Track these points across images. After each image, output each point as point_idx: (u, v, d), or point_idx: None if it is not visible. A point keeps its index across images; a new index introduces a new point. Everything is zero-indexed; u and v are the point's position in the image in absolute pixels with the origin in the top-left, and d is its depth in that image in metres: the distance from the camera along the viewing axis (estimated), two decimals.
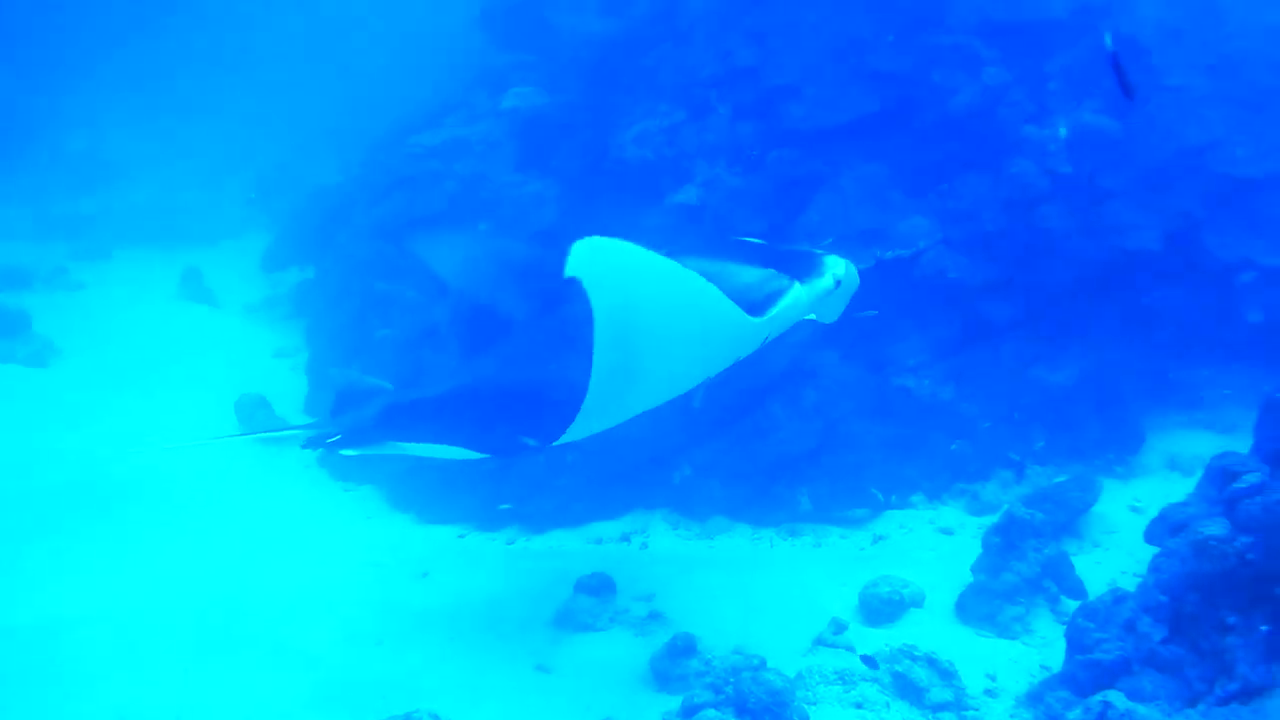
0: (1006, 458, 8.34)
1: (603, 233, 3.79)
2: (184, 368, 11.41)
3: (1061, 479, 8.04)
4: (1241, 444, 5.95)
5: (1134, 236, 8.76)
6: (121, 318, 12.84)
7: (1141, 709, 4.59)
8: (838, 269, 5.56)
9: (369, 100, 17.50)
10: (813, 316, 5.73)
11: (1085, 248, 8.73)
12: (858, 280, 5.80)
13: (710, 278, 4.46)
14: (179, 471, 8.96)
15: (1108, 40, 5.87)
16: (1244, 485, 5.00)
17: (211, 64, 23.00)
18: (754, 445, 8.10)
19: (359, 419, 5.43)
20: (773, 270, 5.33)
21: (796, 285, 5.30)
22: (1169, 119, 9.17)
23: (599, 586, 6.90)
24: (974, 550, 6.90)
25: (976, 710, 5.72)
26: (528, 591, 7.19)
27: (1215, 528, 4.92)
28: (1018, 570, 6.63)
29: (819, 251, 5.71)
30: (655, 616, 6.79)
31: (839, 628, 6.49)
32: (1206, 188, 9.13)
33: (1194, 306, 9.09)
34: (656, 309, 4.36)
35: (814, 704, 5.80)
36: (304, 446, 5.63)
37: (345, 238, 10.91)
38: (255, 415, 9.89)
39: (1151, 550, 5.50)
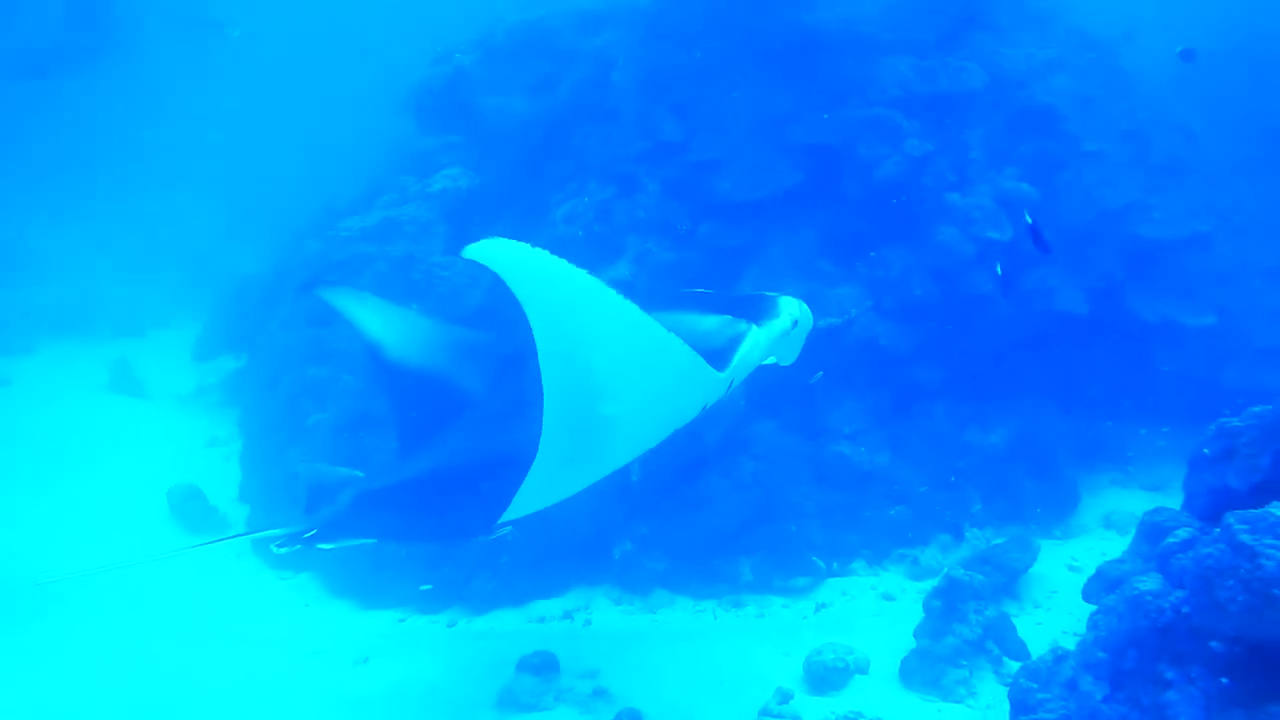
0: (945, 522, 8.39)
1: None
2: (115, 461, 11.22)
3: (1000, 541, 8.09)
4: (1173, 500, 6.03)
5: (1059, 299, 8.94)
6: (49, 412, 12.62)
7: None
8: (793, 309, 5.50)
9: (296, 187, 17.53)
10: (772, 360, 5.69)
11: (1013, 312, 8.88)
12: (812, 319, 5.74)
13: (667, 328, 4.39)
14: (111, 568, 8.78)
15: (1028, 217, 6.12)
16: (1176, 540, 5.05)
17: (131, 156, 22.96)
18: (694, 517, 8.09)
19: (333, 512, 5.31)
20: (728, 316, 5.26)
21: (754, 329, 5.23)
22: (1088, 184, 9.42)
23: (542, 665, 6.82)
24: (916, 615, 6.92)
25: None
26: (470, 673, 7.09)
27: (1150, 583, 4.96)
28: (960, 633, 6.65)
29: (771, 294, 5.64)
30: (600, 694, 6.72)
31: (784, 697, 6.45)
32: (1127, 250, 9.38)
33: (1121, 366, 9.28)
34: (610, 352, 4.30)
35: None
36: (279, 547, 5.36)
37: (276, 324, 10.83)
38: (188, 506, 9.77)
39: (1090, 608, 5.54)
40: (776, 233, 8.97)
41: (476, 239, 9.58)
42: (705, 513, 8.10)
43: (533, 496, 4.75)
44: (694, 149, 9.32)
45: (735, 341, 5.14)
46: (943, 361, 8.86)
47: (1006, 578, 7.54)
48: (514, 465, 4.62)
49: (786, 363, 5.82)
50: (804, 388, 8.52)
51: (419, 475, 5.38)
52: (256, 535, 5.32)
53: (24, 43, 21.33)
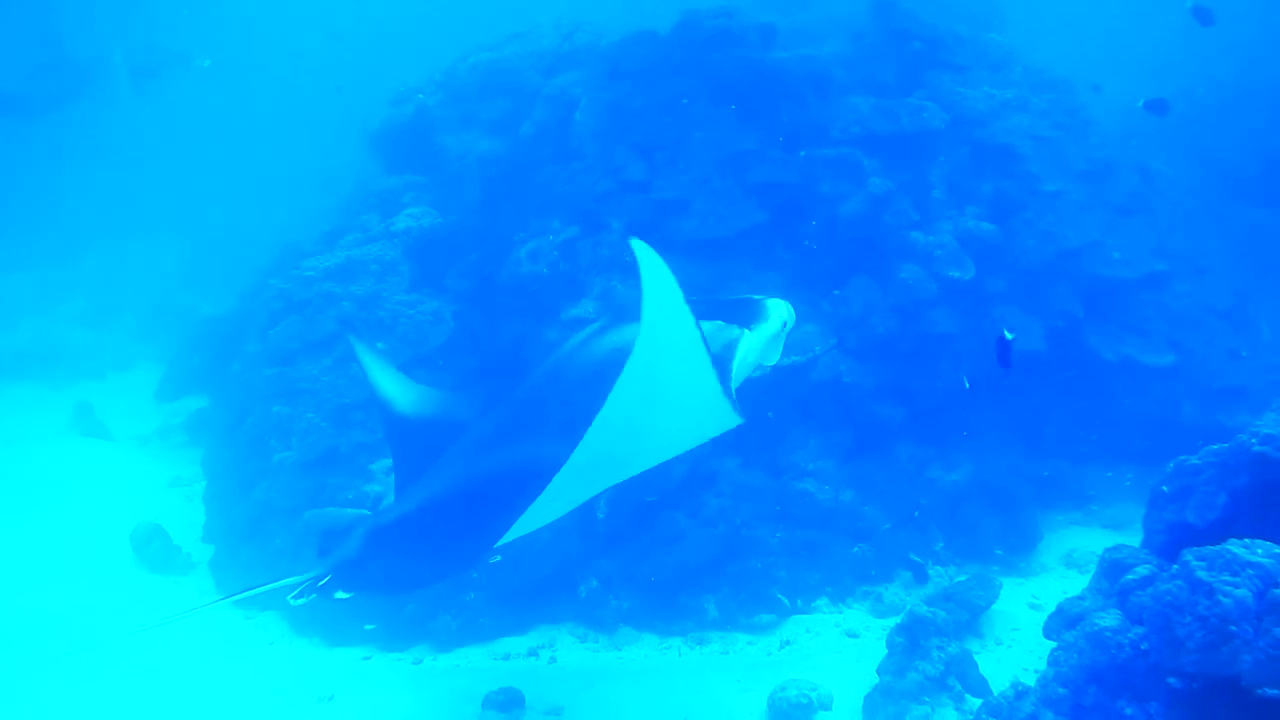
0: (908, 559, 8.41)
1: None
2: (77, 502, 11.11)
3: (962, 578, 8.12)
4: (1134, 538, 6.09)
5: (1020, 338, 9.01)
6: (11, 456, 12.49)
7: None
8: (781, 311, 5.43)
9: (258, 227, 17.49)
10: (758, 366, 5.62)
11: (974, 349, 8.95)
12: (794, 319, 5.65)
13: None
14: (73, 607, 8.70)
15: (1007, 334, 6.17)
16: (1135, 577, 5.11)
17: (91, 198, 22.86)
18: (659, 554, 8.08)
19: (346, 552, 5.22)
20: (719, 321, 5.20)
21: (747, 334, 5.19)
22: (1047, 223, 9.53)
23: (507, 702, 6.80)
24: (880, 651, 6.93)
25: None
26: (436, 711, 7.07)
27: (1109, 619, 5.00)
28: (922, 669, 6.66)
29: (758, 297, 5.58)
30: None
31: None
32: (1086, 288, 9.48)
33: (1081, 404, 9.37)
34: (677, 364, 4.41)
35: None
36: (296, 598, 5.20)
37: (239, 364, 10.79)
38: (151, 545, 9.68)
39: (1051, 644, 5.57)
40: (740, 270, 9.02)
41: (440, 277, 9.65)
42: (670, 550, 8.09)
43: (551, 504, 4.76)
44: (657, 188, 9.38)
45: (730, 348, 5.10)
46: (905, 399, 8.92)
47: (969, 614, 7.56)
48: (528, 477, 4.66)
49: (770, 363, 5.68)
50: (766, 424, 8.56)
51: (427, 501, 5.31)
52: (273, 586, 5.19)
53: None
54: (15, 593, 8.95)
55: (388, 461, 8.90)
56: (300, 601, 5.17)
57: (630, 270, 8.98)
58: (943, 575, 8.33)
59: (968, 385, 8.47)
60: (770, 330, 5.35)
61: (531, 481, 4.61)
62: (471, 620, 8.05)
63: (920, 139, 9.64)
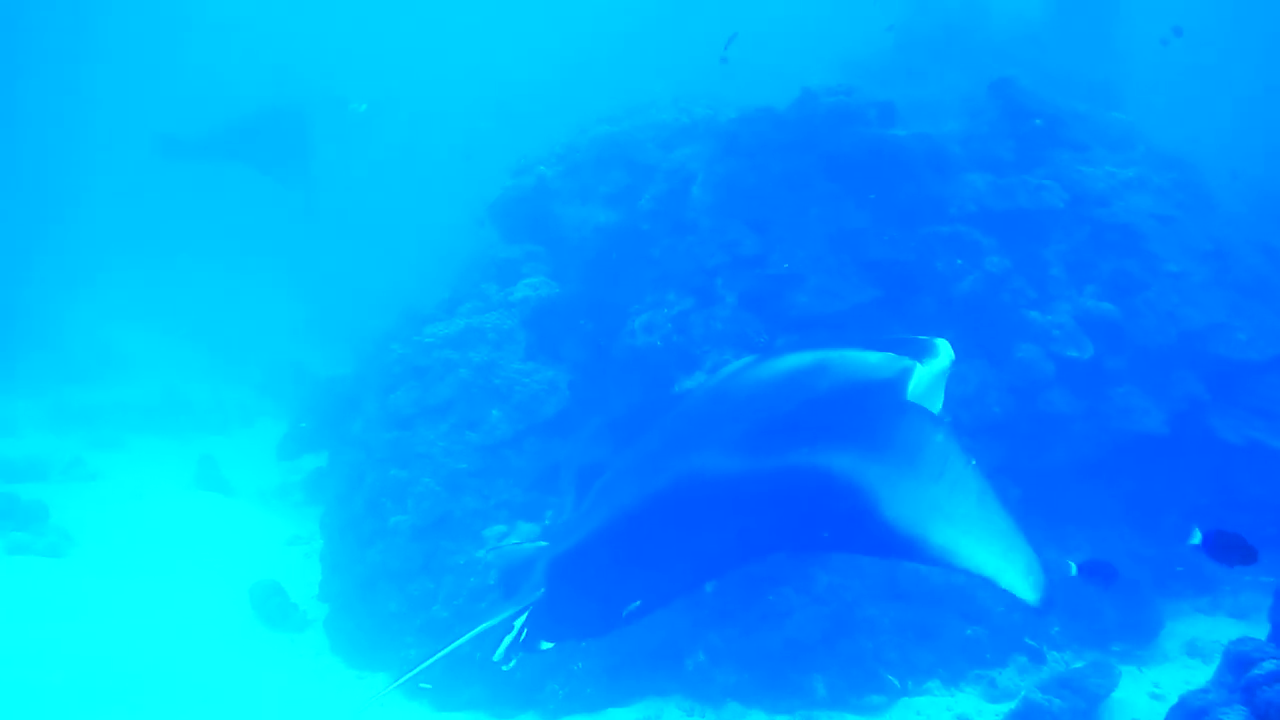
0: (1023, 643, 8.25)
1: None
2: (199, 556, 11.38)
3: (1079, 665, 7.94)
4: (1259, 629, 5.92)
5: (1140, 420, 8.85)
6: (137, 507, 12.85)
7: None
8: (949, 351, 5.52)
9: (379, 289, 17.89)
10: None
11: (1092, 431, 8.81)
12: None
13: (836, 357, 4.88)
14: (194, 659, 8.90)
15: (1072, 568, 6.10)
16: (1261, 672, 4.97)
17: (215, 259, 23.54)
18: (767, 630, 8.04)
19: (531, 594, 5.24)
20: (890, 353, 5.33)
21: (918, 365, 5.27)
22: (1170, 304, 9.37)
23: None
24: None
25: None
26: None
27: (1234, 715, 4.87)
28: None
29: (924, 336, 5.64)
30: None
31: None
32: (1210, 371, 9.27)
33: (1203, 489, 9.13)
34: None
35: None
36: (506, 664, 5.23)
37: (358, 425, 11.01)
38: (270, 602, 9.90)
39: None
40: (853, 347, 8.99)
41: (556, 347, 9.80)
42: (779, 625, 8.04)
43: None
44: (771, 262, 9.43)
45: (904, 375, 5.20)
46: (1020, 479, 8.77)
47: (1086, 703, 7.38)
48: (709, 486, 4.85)
49: (935, 407, 5.60)
50: None
51: (603, 525, 5.34)
52: (464, 640, 5.28)
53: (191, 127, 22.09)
54: (139, 644, 9.16)
55: (500, 527, 9.03)
56: (511, 665, 5.21)
57: (744, 343, 9.06)
58: (1059, 661, 8.16)
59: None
60: (939, 365, 5.42)
61: (713, 495, 4.78)
62: (578, 690, 8.08)
63: (1039, 217, 9.57)
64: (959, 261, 9.25)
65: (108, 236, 23.60)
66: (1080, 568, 5.98)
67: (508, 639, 5.18)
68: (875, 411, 4.90)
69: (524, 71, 27.08)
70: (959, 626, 8.30)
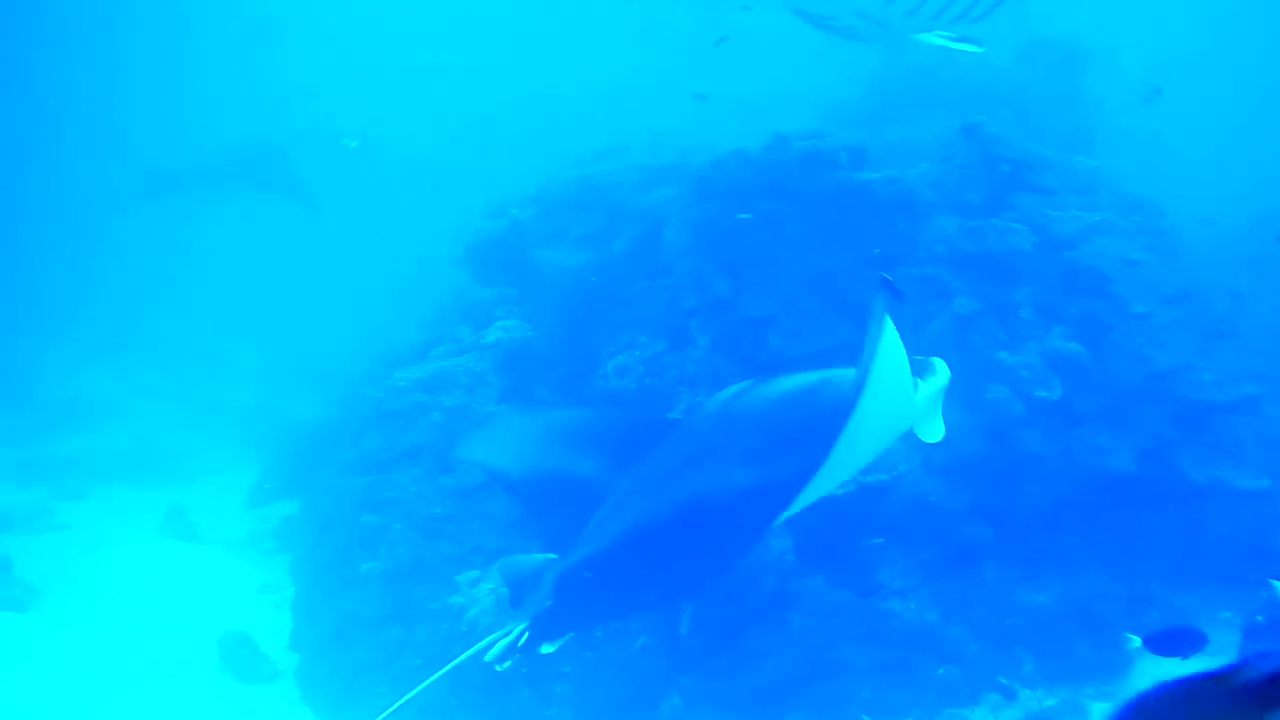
0: (996, 682, 8.28)
1: None
2: (166, 607, 11.29)
3: (1051, 703, 7.99)
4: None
5: (1109, 459, 8.94)
6: (103, 558, 12.73)
7: None
8: (946, 371, 5.55)
9: (350, 336, 17.86)
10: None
11: (1062, 470, 8.89)
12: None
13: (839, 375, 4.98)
14: (158, 714, 8.83)
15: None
16: None
17: (183, 305, 23.45)
18: (742, 672, 8.05)
19: (539, 604, 5.26)
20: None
21: (919, 381, 5.33)
22: (1136, 345, 9.48)
23: None
24: None
25: None
26: None
27: None
28: None
29: (919, 356, 5.64)
30: None
31: None
32: (1176, 411, 9.37)
33: (1172, 528, 9.22)
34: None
35: None
36: (501, 664, 5.23)
37: (330, 471, 10.98)
38: (238, 654, 9.82)
39: None
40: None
41: (529, 390, 9.84)
42: (754, 667, 8.06)
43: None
44: (744, 305, 9.51)
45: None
46: (992, 518, 8.85)
47: None
48: (723, 503, 4.93)
49: (927, 435, 5.70)
50: (853, 543, 8.54)
51: (617, 538, 5.35)
52: (472, 651, 5.27)
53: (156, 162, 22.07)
54: (104, 700, 9.08)
55: (474, 573, 9.01)
56: (505, 665, 5.19)
57: (718, 385, 9.11)
58: (1032, 698, 8.19)
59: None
60: (938, 383, 5.49)
61: (728, 505, 4.87)
62: None
63: (1007, 259, 9.69)
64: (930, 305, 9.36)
65: (76, 282, 23.46)
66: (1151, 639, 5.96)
67: (504, 641, 5.19)
68: None
69: (498, 111, 27.21)
70: (932, 666, 8.33)
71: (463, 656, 5.30)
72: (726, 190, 10.29)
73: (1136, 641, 5.85)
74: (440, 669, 5.31)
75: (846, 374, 5.27)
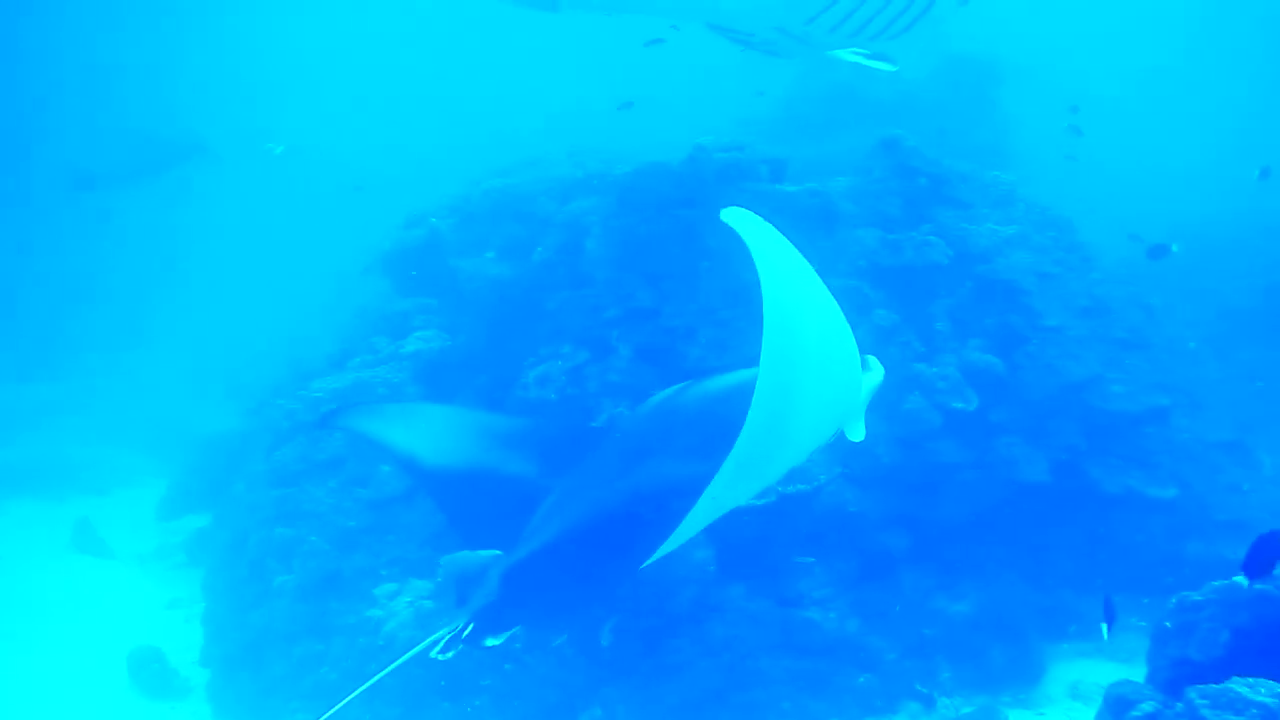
0: (914, 689, 8.35)
1: None
2: (74, 623, 11.04)
3: (968, 710, 8.07)
4: (1138, 670, 6.08)
5: (1024, 469, 9.07)
6: (9, 573, 12.43)
7: None
8: (880, 367, 5.57)
9: (265, 340, 17.63)
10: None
11: (979, 480, 9.01)
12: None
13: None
14: None
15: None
16: (1140, 714, 5.11)
17: (90, 314, 23.01)
18: (663, 683, 8.03)
19: (484, 598, 5.20)
20: None
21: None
22: (1049, 357, 9.63)
23: None
24: None
25: None
26: None
27: None
28: None
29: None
30: None
31: None
32: (1089, 422, 9.54)
33: (1085, 536, 9.38)
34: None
35: None
36: (444, 653, 5.14)
37: (243, 484, 10.82)
38: (147, 670, 9.63)
39: None
40: None
41: (449, 401, 9.78)
42: (676, 678, 8.04)
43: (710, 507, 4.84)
44: (666, 315, 9.51)
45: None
46: (910, 528, 8.94)
47: None
48: (670, 494, 4.85)
49: (856, 437, 5.64)
50: (774, 552, 8.57)
51: (561, 533, 5.32)
52: (418, 650, 5.11)
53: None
54: (10, 717, 8.86)
55: (391, 585, 8.92)
56: (449, 655, 5.11)
57: (640, 395, 9.10)
58: (949, 706, 8.27)
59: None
60: (874, 380, 5.50)
61: (676, 497, 4.78)
62: None
63: (925, 273, 9.80)
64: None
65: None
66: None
67: (447, 634, 5.12)
68: None
69: (421, 119, 27.07)
70: (852, 675, 8.37)
71: (414, 651, 5.17)
72: (649, 201, 10.30)
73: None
74: (380, 672, 5.24)
75: None
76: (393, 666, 5.14)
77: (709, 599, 8.35)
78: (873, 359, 5.57)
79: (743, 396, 4.68)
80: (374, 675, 5.13)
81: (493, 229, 12.13)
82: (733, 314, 9.38)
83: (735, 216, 4.24)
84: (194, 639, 10.28)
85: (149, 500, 14.64)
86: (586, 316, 9.79)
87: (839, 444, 8.75)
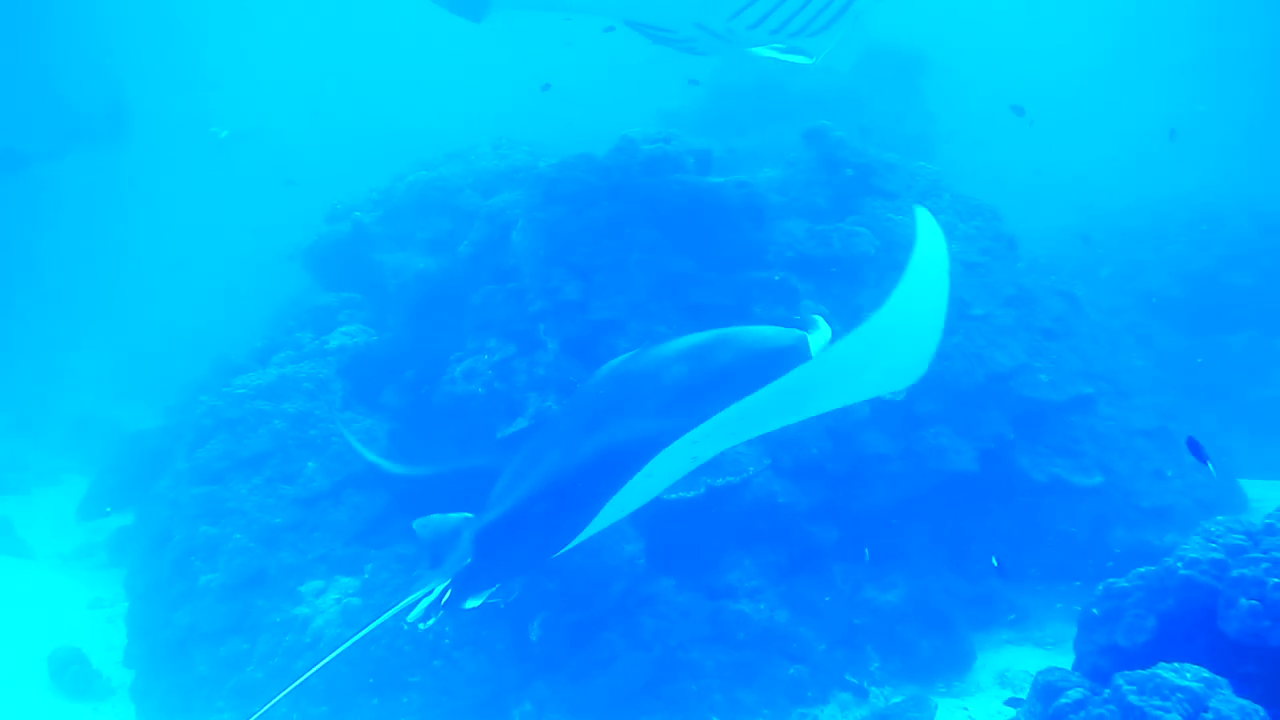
0: (844, 680, 8.37)
1: None
2: None
3: (898, 699, 8.09)
4: (1065, 657, 6.12)
5: (952, 459, 9.12)
6: None
7: None
8: (827, 327, 5.67)
9: (190, 335, 17.36)
10: None
11: (907, 470, 9.04)
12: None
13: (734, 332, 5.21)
14: None
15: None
16: (1068, 701, 5.13)
17: (10, 309, 22.53)
18: (594, 677, 7.98)
19: (459, 562, 5.31)
20: (782, 328, 5.57)
21: (810, 335, 5.49)
22: (976, 346, 9.70)
23: None
24: None
25: None
26: None
27: None
28: None
29: (800, 316, 5.77)
30: None
31: None
32: (1016, 411, 9.62)
33: (1013, 525, 9.45)
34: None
35: None
36: (424, 622, 5.27)
37: (166, 482, 10.61)
38: (68, 671, 9.42)
39: None
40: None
41: (374, 396, 9.64)
42: (606, 672, 8.00)
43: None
44: (593, 308, 9.44)
45: (802, 343, 5.45)
46: (840, 519, 8.96)
47: None
48: (637, 451, 5.01)
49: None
50: (703, 545, 8.55)
51: (532, 492, 5.44)
52: (394, 611, 5.21)
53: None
54: None
55: (318, 583, 8.79)
56: (429, 624, 5.21)
57: (567, 389, 9.04)
58: (879, 696, 8.30)
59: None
60: (823, 339, 5.59)
61: (651, 449, 4.94)
62: None
63: (852, 263, 9.82)
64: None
65: None
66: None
67: (427, 600, 5.19)
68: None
69: (345, 110, 26.76)
70: (782, 666, 8.37)
71: (389, 614, 5.24)
72: (574, 193, 10.23)
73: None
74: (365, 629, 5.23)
75: (741, 330, 5.54)
76: (363, 633, 5.20)
77: (639, 592, 8.32)
78: (820, 319, 5.72)
79: (702, 357, 4.76)
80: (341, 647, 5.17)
81: (417, 222, 11.99)
82: (661, 306, 9.34)
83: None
84: (117, 639, 10.07)
85: (70, 499, 14.34)
86: (513, 310, 9.69)
87: (770, 436, 8.82)
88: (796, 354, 5.29)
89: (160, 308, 21.23)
